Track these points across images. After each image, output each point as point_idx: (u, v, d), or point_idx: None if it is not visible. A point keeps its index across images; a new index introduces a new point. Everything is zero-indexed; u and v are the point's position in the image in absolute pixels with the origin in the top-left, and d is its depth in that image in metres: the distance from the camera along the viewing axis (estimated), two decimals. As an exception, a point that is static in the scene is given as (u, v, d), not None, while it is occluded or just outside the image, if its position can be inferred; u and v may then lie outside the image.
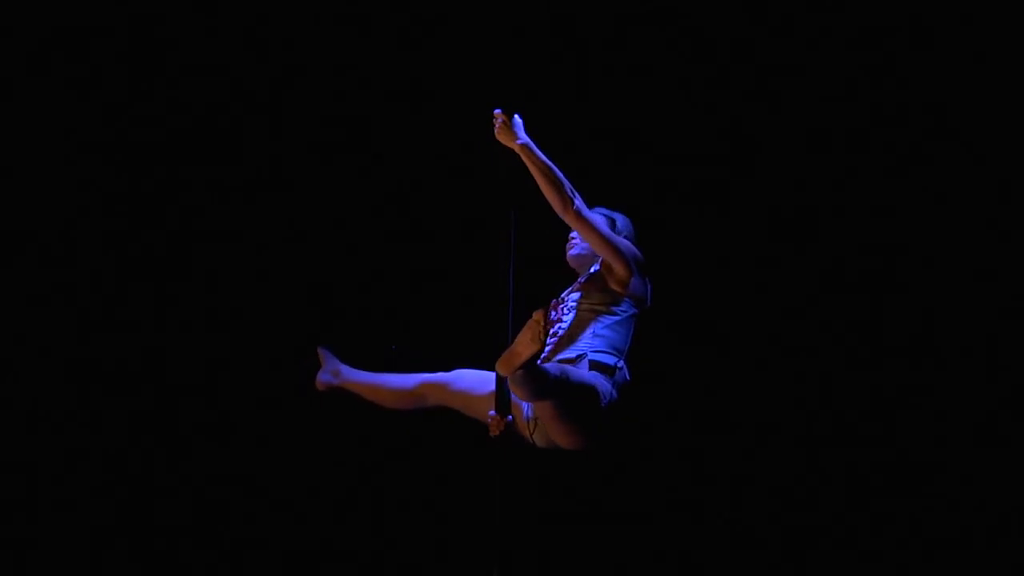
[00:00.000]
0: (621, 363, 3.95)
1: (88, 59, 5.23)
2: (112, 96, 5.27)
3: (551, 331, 4.05)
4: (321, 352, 4.38)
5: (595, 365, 3.90)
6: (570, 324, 4.02)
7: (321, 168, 5.36)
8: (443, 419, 4.85)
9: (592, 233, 3.94)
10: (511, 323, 3.89)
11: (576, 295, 4.07)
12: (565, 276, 4.20)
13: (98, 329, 5.28)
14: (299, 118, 5.35)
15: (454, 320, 5.19)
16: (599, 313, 3.98)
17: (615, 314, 3.98)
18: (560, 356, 3.96)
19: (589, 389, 3.80)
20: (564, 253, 4.19)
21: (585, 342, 3.95)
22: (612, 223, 4.12)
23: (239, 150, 5.36)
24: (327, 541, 5.25)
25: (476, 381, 4.10)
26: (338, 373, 4.34)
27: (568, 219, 3.92)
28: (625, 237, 4.10)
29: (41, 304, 5.25)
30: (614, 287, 3.99)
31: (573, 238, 4.14)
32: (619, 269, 3.97)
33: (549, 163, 3.88)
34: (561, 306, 4.09)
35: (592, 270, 4.10)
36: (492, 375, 3.93)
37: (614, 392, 3.88)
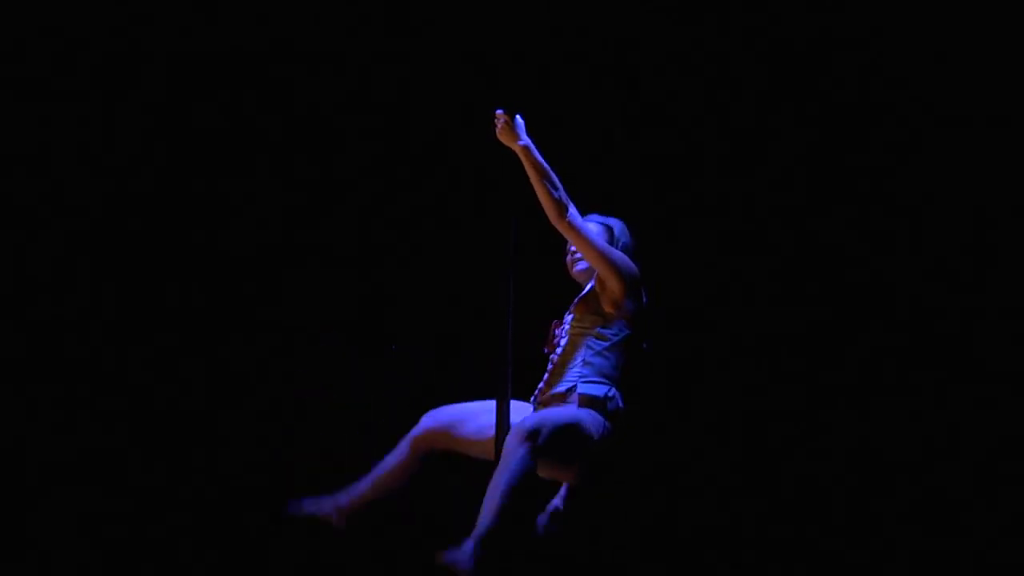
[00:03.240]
0: (612, 391, 3.87)
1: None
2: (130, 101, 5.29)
3: (551, 356, 4.01)
4: (308, 513, 4.02)
5: (585, 400, 3.83)
6: (563, 349, 3.96)
7: (321, 171, 5.36)
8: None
9: (585, 243, 3.87)
10: (510, 327, 3.91)
11: (571, 316, 4.01)
12: (566, 281, 4.18)
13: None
14: (298, 122, 5.34)
15: (453, 320, 5.18)
16: (590, 337, 3.91)
17: (605, 339, 3.90)
18: (554, 390, 3.90)
19: (572, 431, 3.73)
20: (566, 266, 4.12)
21: (575, 371, 3.89)
22: (609, 231, 4.05)
23: (240, 150, 5.36)
24: (326, 542, 5.25)
25: (460, 413, 3.99)
26: (339, 509, 4.00)
27: (561, 227, 3.86)
28: (623, 244, 4.02)
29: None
30: (606, 307, 3.91)
31: (575, 252, 4.05)
32: (612, 284, 3.89)
33: (547, 168, 3.84)
34: (560, 328, 4.04)
35: (587, 289, 4.02)
36: (471, 410, 3.92)
37: (606, 424, 3.82)
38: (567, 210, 3.84)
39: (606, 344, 3.90)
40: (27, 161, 5.21)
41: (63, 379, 5.20)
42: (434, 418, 3.98)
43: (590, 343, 3.90)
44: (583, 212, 4.00)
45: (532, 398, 3.97)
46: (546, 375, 3.97)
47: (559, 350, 3.97)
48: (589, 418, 3.79)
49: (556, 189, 3.83)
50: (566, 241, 4.04)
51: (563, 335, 3.99)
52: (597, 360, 3.88)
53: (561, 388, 3.88)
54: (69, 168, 5.26)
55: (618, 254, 3.92)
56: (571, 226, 3.84)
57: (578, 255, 4.04)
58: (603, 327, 3.91)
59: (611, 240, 4.03)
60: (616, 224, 4.08)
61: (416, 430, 3.97)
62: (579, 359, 3.89)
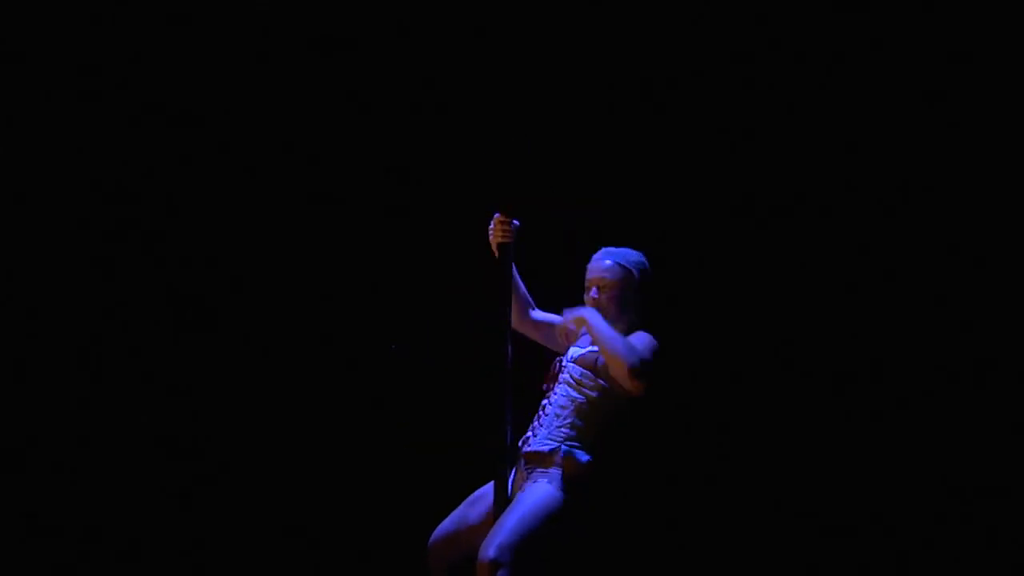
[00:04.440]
0: (593, 461, 3.80)
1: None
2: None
3: (543, 401, 3.93)
4: None
5: (567, 463, 3.77)
6: (556, 399, 3.88)
7: (321, 176, 5.37)
8: (448, 425, 4.88)
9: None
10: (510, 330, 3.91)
11: (571, 363, 3.92)
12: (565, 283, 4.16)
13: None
14: (298, 129, 5.35)
15: (452, 320, 5.18)
16: (583, 399, 3.84)
17: (598, 408, 3.84)
18: (540, 446, 3.82)
19: (536, 528, 3.66)
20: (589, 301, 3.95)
21: (563, 431, 3.82)
22: (637, 285, 3.92)
23: (242, 156, 5.36)
24: (326, 543, 5.26)
25: (454, 514, 3.93)
26: None
27: (633, 386, 3.72)
28: (644, 285, 3.95)
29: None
30: (615, 386, 3.81)
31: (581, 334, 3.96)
32: (631, 389, 3.76)
33: (609, 331, 3.73)
34: (558, 367, 3.95)
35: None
36: (465, 504, 3.89)
37: (580, 492, 3.76)
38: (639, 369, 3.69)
39: (599, 414, 3.84)
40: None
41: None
42: (434, 536, 3.92)
43: (582, 405, 3.83)
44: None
45: (521, 441, 3.89)
46: (535, 421, 3.91)
47: (553, 396, 3.90)
48: (552, 501, 3.73)
49: (616, 343, 3.71)
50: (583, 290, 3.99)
51: (560, 380, 3.91)
52: (585, 425, 3.82)
53: (546, 447, 3.81)
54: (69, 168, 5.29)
55: (649, 363, 3.75)
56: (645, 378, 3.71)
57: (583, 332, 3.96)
58: (600, 395, 3.83)
59: (639, 288, 3.95)
60: (637, 266, 3.97)
61: (430, 557, 3.91)
62: (568, 419, 3.83)
